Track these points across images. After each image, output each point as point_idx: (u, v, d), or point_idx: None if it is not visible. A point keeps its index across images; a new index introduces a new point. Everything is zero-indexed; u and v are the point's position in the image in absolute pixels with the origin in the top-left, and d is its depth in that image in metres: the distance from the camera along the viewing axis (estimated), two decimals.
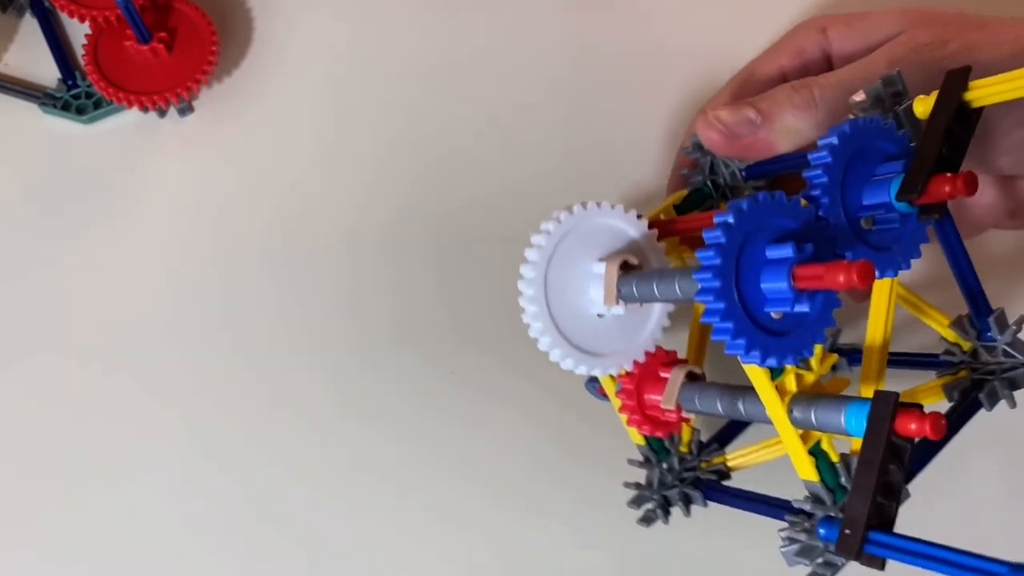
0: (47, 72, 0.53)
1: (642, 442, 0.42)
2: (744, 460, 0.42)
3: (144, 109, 0.51)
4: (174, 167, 0.53)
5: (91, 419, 0.48)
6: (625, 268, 0.35)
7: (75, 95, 0.53)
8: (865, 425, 0.30)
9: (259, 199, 0.52)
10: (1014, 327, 0.37)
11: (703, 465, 0.42)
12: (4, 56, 0.54)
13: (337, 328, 0.51)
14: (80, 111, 0.52)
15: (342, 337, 0.50)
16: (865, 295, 0.45)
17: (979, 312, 0.37)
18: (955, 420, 0.37)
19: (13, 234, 0.51)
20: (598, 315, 0.36)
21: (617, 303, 0.35)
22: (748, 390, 0.34)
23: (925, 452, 0.37)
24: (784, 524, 0.35)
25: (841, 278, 0.28)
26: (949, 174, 0.32)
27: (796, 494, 0.35)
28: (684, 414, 0.38)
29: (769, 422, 0.34)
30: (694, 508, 0.42)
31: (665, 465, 0.42)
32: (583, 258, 0.35)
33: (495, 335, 0.50)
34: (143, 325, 0.50)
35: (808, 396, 0.33)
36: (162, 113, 0.53)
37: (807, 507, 0.34)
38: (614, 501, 0.45)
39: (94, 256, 0.51)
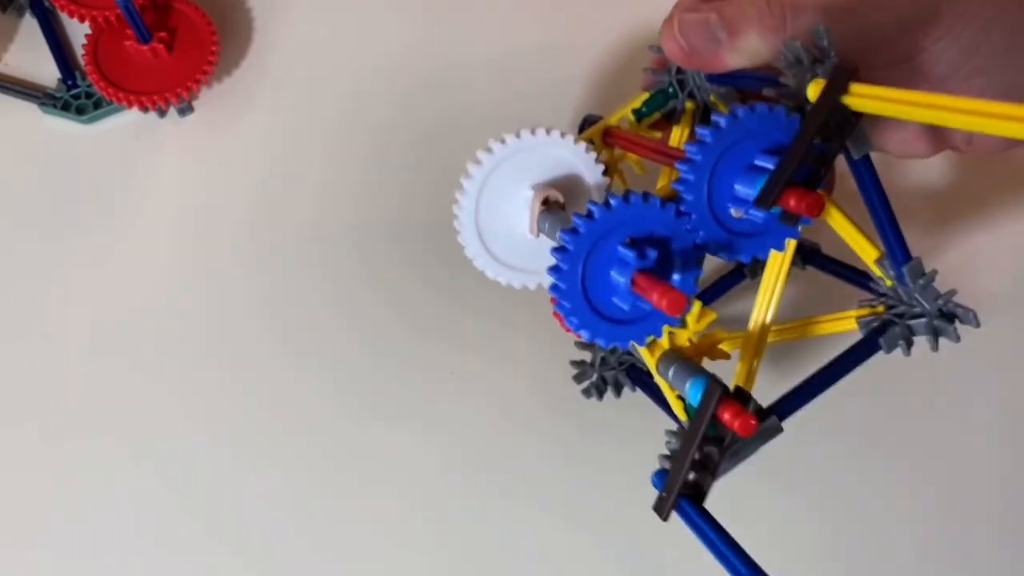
0: (47, 72, 0.53)
1: None
2: None
3: (144, 109, 0.51)
4: (174, 167, 0.53)
5: (91, 419, 0.48)
6: (547, 204, 0.38)
7: (75, 95, 0.53)
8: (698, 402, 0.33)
9: (259, 199, 0.52)
10: (928, 277, 0.37)
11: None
12: (4, 56, 0.54)
13: (338, 327, 0.51)
14: (80, 111, 0.52)
15: (343, 337, 0.50)
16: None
17: (894, 258, 0.37)
18: (847, 362, 0.37)
19: (13, 234, 0.51)
20: (534, 237, 0.39)
21: (537, 236, 0.38)
22: None
23: (808, 391, 0.37)
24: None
25: (655, 298, 0.32)
26: (800, 191, 0.33)
27: None
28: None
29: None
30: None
31: (609, 350, 0.46)
32: (520, 183, 0.38)
33: (497, 335, 0.50)
34: (143, 324, 0.50)
35: (674, 355, 0.36)
36: (162, 113, 0.53)
37: (668, 451, 0.36)
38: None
39: (94, 255, 0.51)
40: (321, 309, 0.51)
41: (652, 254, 0.33)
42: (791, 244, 0.37)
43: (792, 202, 0.33)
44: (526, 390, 0.50)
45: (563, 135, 0.38)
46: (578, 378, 0.49)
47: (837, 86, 0.34)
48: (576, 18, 0.57)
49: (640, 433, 0.40)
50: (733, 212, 0.35)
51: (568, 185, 0.39)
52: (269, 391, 0.49)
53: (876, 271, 0.38)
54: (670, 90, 0.44)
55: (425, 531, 0.48)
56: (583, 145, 0.38)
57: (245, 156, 0.53)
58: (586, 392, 0.48)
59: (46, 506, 0.47)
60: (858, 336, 0.38)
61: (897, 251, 0.37)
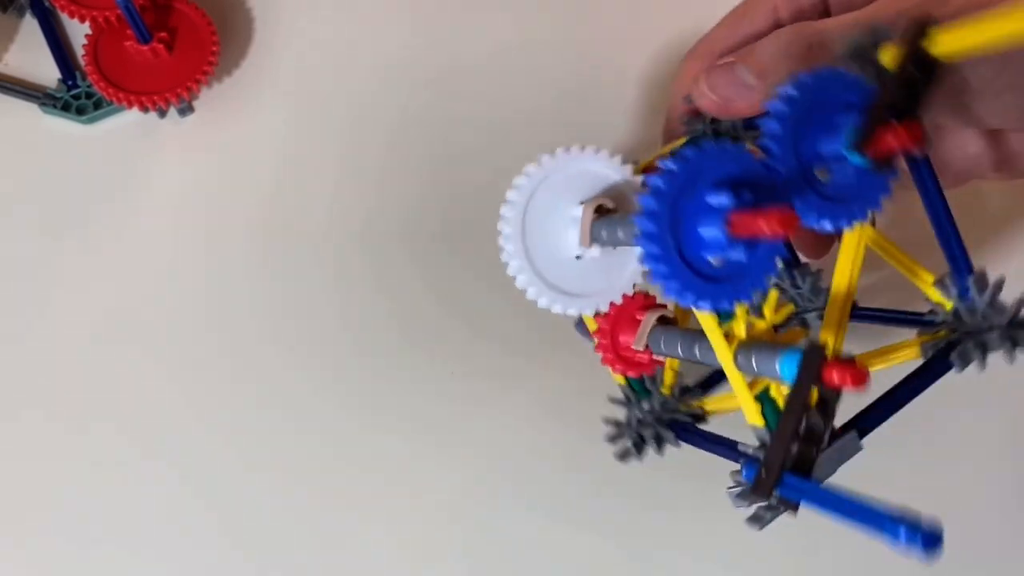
0: (47, 72, 0.53)
1: (622, 382, 0.43)
2: (720, 405, 0.42)
3: (144, 109, 0.51)
4: (174, 167, 0.53)
5: (90, 418, 0.48)
6: (601, 212, 0.36)
7: (75, 95, 0.53)
8: (795, 373, 0.31)
9: (260, 199, 0.52)
10: (994, 287, 0.36)
11: (682, 408, 0.43)
12: (4, 56, 0.54)
13: (338, 327, 0.51)
14: (80, 111, 0.52)
15: (343, 337, 0.50)
16: (821, 250, 0.45)
17: (958, 269, 0.36)
18: (924, 378, 0.36)
19: (13, 234, 0.51)
20: (576, 257, 0.37)
21: (591, 245, 0.36)
22: (705, 335, 0.35)
23: (887, 407, 0.36)
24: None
25: (763, 224, 0.29)
26: (897, 125, 0.31)
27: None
28: (655, 356, 0.39)
29: (720, 367, 0.35)
30: (672, 451, 0.42)
31: (646, 405, 0.43)
32: (564, 201, 0.37)
33: (498, 334, 0.50)
34: (143, 324, 0.50)
35: (753, 343, 0.34)
36: (162, 113, 0.53)
37: (750, 452, 0.35)
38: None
39: (94, 256, 0.51)
40: (323, 308, 0.51)
41: (746, 194, 0.31)
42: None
43: (891, 138, 0.31)
44: (534, 387, 0.50)
45: (610, 154, 0.37)
46: (613, 439, 0.43)
47: (917, 32, 0.32)
48: (593, 16, 0.57)
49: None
50: (819, 174, 0.33)
51: (614, 200, 0.37)
52: (269, 391, 0.49)
53: (934, 296, 0.37)
54: (706, 137, 0.44)
55: (444, 540, 0.48)
56: (629, 167, 0.37)
57: (246, 156, 0.53)
58: (622, 456, 0.43)
59: (46, 502, 0.47)
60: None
61: (961, 262, 0.36)
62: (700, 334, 0.36)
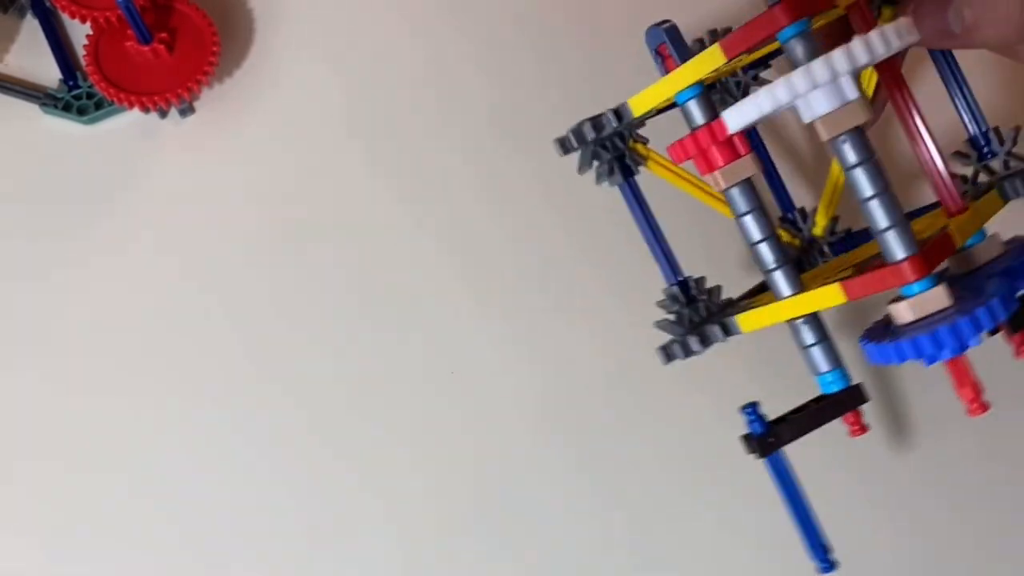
0: (48, 73, 0.53)
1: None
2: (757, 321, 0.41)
3: (145, 110, 0.51)
4: (175, 168, 0.53)
5: (90, 418, 0.48)
6: None
7: (76, 96, 0.53)
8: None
9: (260, 199, 0.52)
10: (1011, 139, 0.42)
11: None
12: (5, 57, 0.54)
13: (339, 327, 0.51)
14: (81, 112, 0.52)
15: (344, 337, 0.50)
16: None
17: (978, 125, 0.42)
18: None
19: (13, 234, 0.51)
20: None
21: None
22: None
23: None
24: None
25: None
26: None
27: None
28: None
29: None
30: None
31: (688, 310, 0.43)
32: None
33: (501, 336, 0.50)
34: (143, 325, 0.50)
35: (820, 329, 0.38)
36: (163, 114, 0.53)
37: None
38: None
39: (94, 256, 0.51)
40: (323, 308, 0.51)
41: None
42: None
43: None
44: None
45: None
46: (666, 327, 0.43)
47: None
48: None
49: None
50: None
51: None
52: (268, 391, 0.49)
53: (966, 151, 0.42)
54: None
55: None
56: None
57: (246, 157, 0.53)
58: (667, 351, 0.42)
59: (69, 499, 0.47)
60: None
61: (979, 118, 0.42)
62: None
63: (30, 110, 0.52)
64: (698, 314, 0.42)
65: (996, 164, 0.43)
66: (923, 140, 0.40)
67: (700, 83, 0.36)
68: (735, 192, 0.37)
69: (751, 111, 0.35)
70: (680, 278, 0.43)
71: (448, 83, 0.55)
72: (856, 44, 0.33)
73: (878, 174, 0.34)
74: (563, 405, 0.51)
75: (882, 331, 0.37)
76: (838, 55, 0.33)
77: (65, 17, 0.53)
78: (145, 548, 0.47)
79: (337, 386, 0.50)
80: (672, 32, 0.37)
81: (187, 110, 0.53)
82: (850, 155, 0.34)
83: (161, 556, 0.47)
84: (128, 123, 0.53)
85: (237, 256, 0.51)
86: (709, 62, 0.35)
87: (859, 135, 0.34)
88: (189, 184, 0.52)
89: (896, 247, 0.34)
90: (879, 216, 0.34)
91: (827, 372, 0.38)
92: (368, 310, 0.51)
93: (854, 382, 0.38)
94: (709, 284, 0.44)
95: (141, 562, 0.47)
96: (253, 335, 0.50)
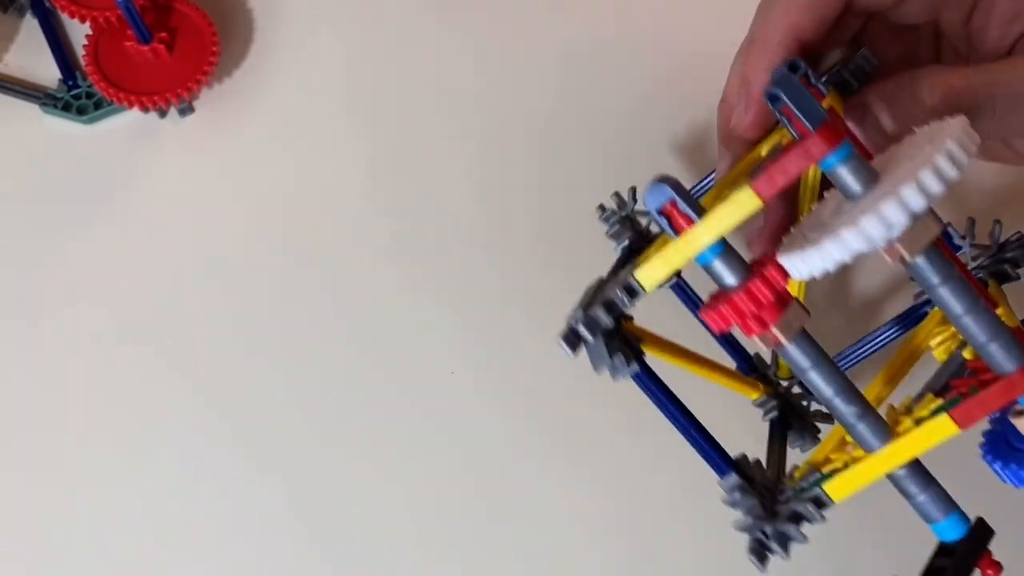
0: (48, 72, 0.53)
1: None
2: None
3: (144, 109, 0.51)
4: (174, 167, 0.53)
5: (91, 418, 0.48)
6: None
7: (76, 95, 0.53)
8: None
9: (260, 199, 0.52)
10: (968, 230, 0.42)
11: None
12: (5, 56, 0.54)
13: (337, 325, 0.51)
14: (81, 111, 0.52)
15: (343, 337, 0.50)
16: None
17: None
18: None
19: (13, 234, 0.51)
20: None
21: None
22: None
23: None
24: None
25: None
26: None
27: None
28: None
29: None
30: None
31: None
32: None
33: (501, 337, 0.50)
34: (143, 325, 0.50)
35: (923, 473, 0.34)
36: (162, 113, 0.53)
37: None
38: None
39: (94, 256, 0.51)
40: (323, 308, 0.51)
41: None
42: None
43: None
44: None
45: None
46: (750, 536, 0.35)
47: None
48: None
49: None
50: None
51: None
52: (268, 392, 0.49)
53: None
54: None
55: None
56: None
57: (246, 156, 0.53)
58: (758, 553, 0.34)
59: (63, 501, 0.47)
60: None
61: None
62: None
63: (30, 110, 0.52)
64: (772, 495, 0.35)
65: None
66: None
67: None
68: (794, 349, 0.32)
69: (819, 262, 0.30)
70: (733, 463, 0.36)
71: (448, 83, 0.55)
72: (925, 176, 0.28)
73: (965, 288, 0.31)
74: (562, 405, 0.51)
75: (1006, 449, 0.35)
76: (909, 194, 0.28)
77: (65, 17, 0.53)
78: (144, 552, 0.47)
79: (337, 385, 0.50)
80: (679, 187, 0.31)
81: (187, 110, 0.53)
82: (932, 275, 0.30)
83: (160, 561, 0.47)
84: (127, 123, 0.53)
85: (237, 255, 0.51)
86: (740, 210, 0.30)
87: (937, 250, 0.30)
88: (189, 184, 0.52)
89: (1003, 359, 0.31)
90: (975, 331, 0.31)
91: (943, 520, 0.33)
92: (368, 309, 0.51)
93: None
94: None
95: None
96: (253, 334, 0.50)
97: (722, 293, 0.31)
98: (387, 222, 0.52)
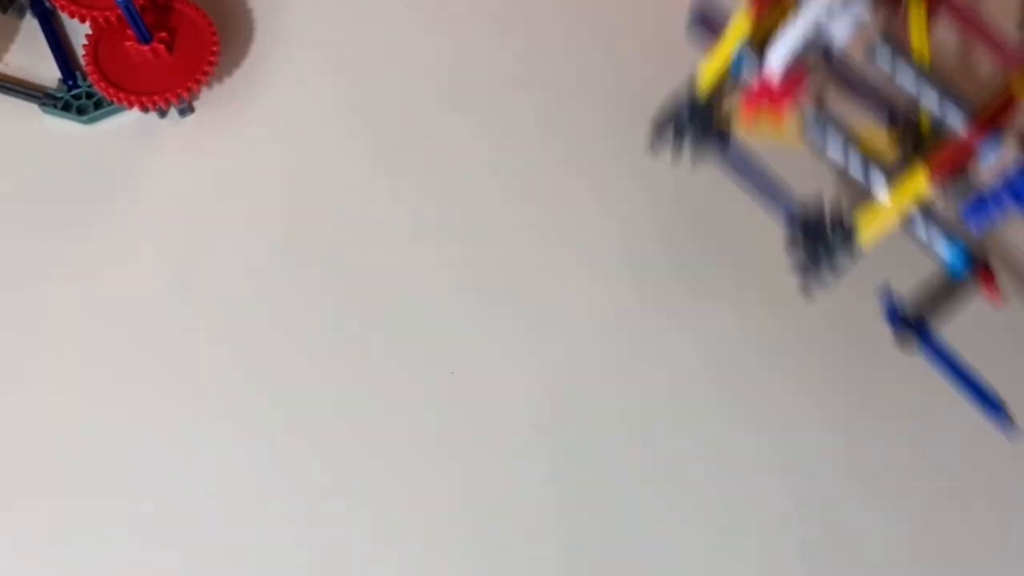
0: (48, 72, 0.53)
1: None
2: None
3: (144, 109, 0.51)
4: (174, 167, 0.53)
5: (91, 418, 0.48)
6: None
7: (76, 95, 0.53)
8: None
9: (259, 199, 0.52)
10: None
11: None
12: (5, 56, 0.54)
13: (339, 329, 0.51)
14: (80, 111, 0.52)
15: (343, 337, 0.50)
16: None
17: None
18: None
19: (13, 233, 0.51)
20: None
21: None
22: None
23: None
24: None
25: None
26: None
27: None
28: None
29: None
30: None
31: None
32: None
33: (501, 336, 0.50)
34: (142, 324, 0.50)
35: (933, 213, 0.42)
36: (162, 113, 0.53)
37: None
38: None
39: (94, 255, 0.51)
40: (323, 308, 0.51)
41: None
42: None
43: None
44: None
45: None
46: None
47: None
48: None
49: None
50: None
51: None
52: (268, 392, 0.49)
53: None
54: None
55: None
56: None
57: (245, 156, 0.53)
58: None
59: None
60: None
61: None
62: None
63: (30, 110, 0.52)
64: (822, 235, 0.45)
65: None
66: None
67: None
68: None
69: (787, 44, 0.40)
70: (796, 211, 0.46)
71: (448, 82, 0.55)
72: None
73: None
74: (563, 406, 0.51)
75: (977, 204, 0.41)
76: None
77: (65, 17, 0.53)
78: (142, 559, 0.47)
79: (337, 384, 0.50)
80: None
81: (186, 110, 0.53)
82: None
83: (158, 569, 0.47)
84: (127, 123, 0.53)
85: (237, 255, 0.51)
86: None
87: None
88: (189, 184, 0.52)
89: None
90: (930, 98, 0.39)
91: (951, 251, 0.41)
92: (368, 309, 0.51)
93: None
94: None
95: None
96: (253, 334, 0.50)
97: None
98: (387, 222, 0.52)
